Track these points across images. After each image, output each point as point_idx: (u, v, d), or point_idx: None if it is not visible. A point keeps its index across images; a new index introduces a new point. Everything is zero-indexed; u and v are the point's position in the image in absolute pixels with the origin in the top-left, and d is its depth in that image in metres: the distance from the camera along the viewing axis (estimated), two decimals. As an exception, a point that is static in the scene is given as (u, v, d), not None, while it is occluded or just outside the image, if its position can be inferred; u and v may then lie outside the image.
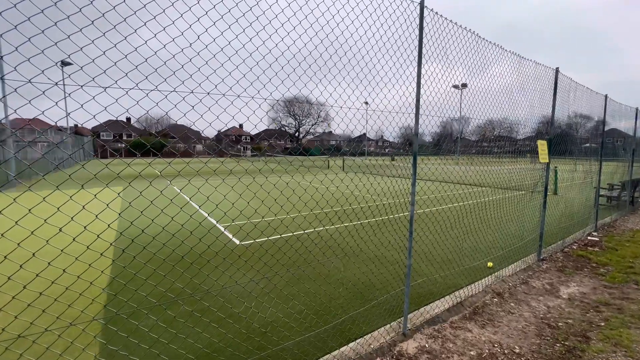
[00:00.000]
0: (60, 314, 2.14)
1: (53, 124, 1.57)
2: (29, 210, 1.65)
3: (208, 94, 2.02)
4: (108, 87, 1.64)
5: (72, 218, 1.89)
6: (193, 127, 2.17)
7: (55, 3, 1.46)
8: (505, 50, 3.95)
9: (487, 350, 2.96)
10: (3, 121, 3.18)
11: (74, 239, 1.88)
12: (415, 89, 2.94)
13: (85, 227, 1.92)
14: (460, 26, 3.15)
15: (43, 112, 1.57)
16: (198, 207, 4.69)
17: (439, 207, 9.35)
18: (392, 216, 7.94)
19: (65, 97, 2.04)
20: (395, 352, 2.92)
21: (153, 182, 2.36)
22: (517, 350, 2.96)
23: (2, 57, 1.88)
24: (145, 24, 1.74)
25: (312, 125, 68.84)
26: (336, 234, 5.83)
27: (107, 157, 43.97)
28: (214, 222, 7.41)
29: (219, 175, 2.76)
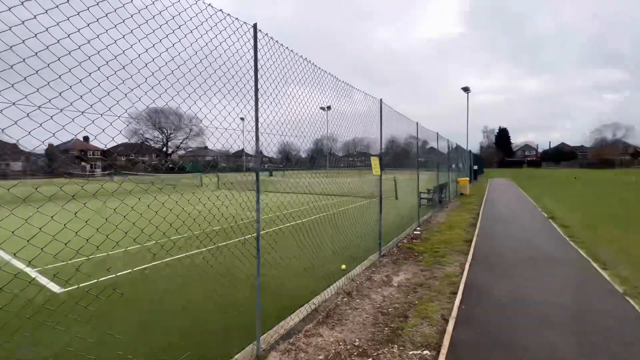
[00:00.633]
0: None
1: None
2: None
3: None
4: None
5: None
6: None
7: None
8: (339, 80, 4.62)
9: (332, 351, 3.20)
10: None
11: None
12: (253, 106, 3.00)
13: None
14: (292, 51, 3.46)
15: None
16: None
17: (300, 221, 10.00)
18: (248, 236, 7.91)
19: None
20: (245, 379, 2.77)
21: None
22: (357, 343, 3.33)
23: None
24: None
25: (183, 140, 62.84)
26: (189, 263, 5.28)
27: None
28: (21, 267, 5.48)
29: (34, 203, 1.99)
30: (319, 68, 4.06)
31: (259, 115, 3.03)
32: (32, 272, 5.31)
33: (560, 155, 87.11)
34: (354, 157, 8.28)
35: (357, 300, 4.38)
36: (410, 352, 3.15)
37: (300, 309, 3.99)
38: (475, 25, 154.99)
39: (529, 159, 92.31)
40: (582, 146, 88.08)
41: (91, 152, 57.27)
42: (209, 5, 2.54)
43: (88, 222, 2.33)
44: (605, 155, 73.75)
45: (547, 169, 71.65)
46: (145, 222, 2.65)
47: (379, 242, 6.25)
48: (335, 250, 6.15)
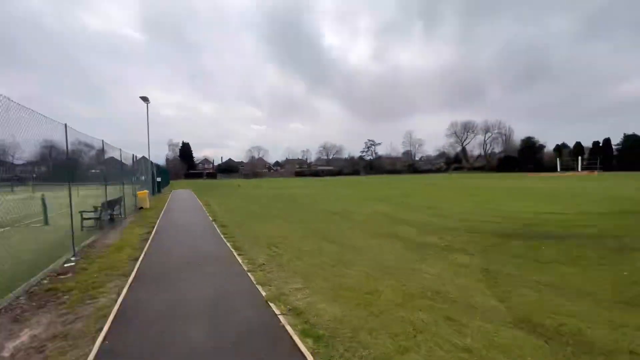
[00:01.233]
0: None
1: None
2: None
3: None
4: None
5: None
6: None
7: None
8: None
9: None
10: None
11: None
12: None
13: None
14: None
15: None
16: None
17: None
18: None
19: None
20: None
21: None
22: None
23: None
24: None
25: None
26: None
27: None
28: None
29: None
30: None
31: None
32: None
33: (230, 168, 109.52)
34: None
35: None
36: None
37: None
38: (158, 37, 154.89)
39: (207, 171, 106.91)
40: (242, 161, 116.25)
41: None
42: None
43: None
44: (256, 169, 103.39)
45: (220, 180, 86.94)
46: None
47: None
48: None
